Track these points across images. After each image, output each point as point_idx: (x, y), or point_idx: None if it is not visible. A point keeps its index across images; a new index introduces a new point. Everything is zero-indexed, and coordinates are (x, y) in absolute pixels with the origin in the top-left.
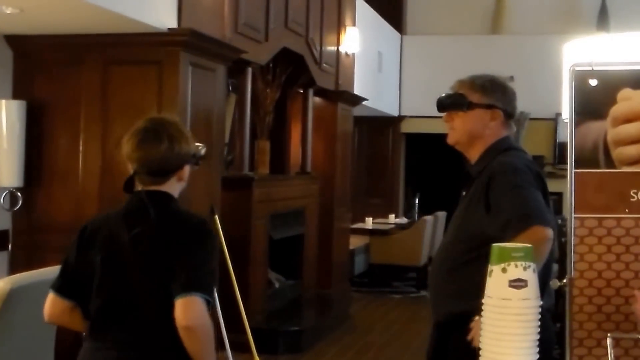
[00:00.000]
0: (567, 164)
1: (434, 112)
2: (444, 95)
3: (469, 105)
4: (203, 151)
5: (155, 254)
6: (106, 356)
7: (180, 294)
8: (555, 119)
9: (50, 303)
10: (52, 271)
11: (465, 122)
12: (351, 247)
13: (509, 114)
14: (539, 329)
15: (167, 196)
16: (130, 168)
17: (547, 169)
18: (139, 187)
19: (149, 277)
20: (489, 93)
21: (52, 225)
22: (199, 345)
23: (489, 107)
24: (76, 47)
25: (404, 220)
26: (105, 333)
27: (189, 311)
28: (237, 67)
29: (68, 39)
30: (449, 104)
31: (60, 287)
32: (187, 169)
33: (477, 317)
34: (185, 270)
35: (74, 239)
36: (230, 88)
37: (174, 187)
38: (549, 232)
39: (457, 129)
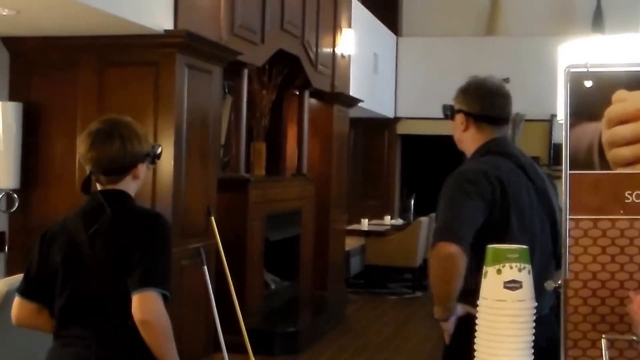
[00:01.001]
0: (562, 165)
1: (430, 113)
2: (444, 105)
3: (452, 113)
4: (159, 150)
5: (112, 250)
6: (70, 352)
7: (136, 290)
8: (550, 120)
9: (17, 307)
10: None
11: (454, 130)
12: (347, 248)
13: (480, 116)
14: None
15: (122, 194)
16: (87, 169)
17: (543, 170)
18: (97, 187)
19: (107, 273)
20: (460, 98)
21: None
22: (157, 339)
23: (459, 112)
24: (72, 49)
25: (399, 221)
26: (68, 330)
27: (145, 306)
28: (233, 69)
29: (64, 41)
30: (444, 113)
31: (25, 290)
32: (141, 168)
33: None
34: (141, 266)
35: (36, 244)
36: (227, 90)
37: (129, 185)
38: (451, 249)
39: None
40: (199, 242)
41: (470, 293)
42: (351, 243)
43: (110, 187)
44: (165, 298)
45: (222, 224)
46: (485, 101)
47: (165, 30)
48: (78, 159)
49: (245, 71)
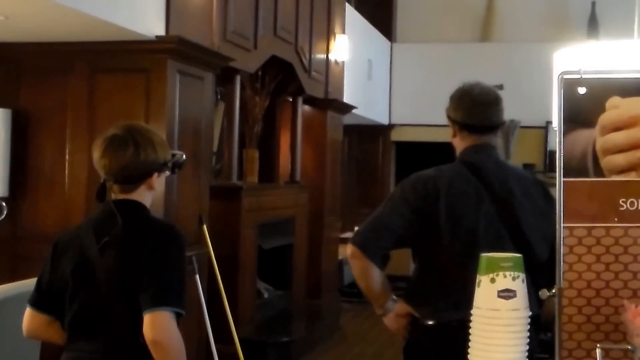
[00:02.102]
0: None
1: (425, 120)
2: None
3: (449, 120)
4: (183, 158)
5: (123, 264)
6: None
7: (148, 309)
8: (545, 127)
9: (28, 318)
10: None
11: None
12: (341, 256)
13: (462, 124)
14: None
15: (136, 205)
16: (101, 175)
17: (538, 177)
18: (111, 195)
19: (118, 287)
20: (448, 105)
21: (38, 236)
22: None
23: (448, 118)
24: (62, 55)
25: None
26: (76, 344)
27: (157, 326)
28: (225, 75)
29: (54, 47)
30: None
31: (36, 301)
32: (156, 177)
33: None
34: (153, 283)
35: (48, 253)
36: (219, 96)
37: (144, 195)
38: (351, 250)
39: None
40: (191, 250)
41: (412, 293)
42: (345, 251)
43: (123, 196)
44: (179, 316)
45: (214, 232)
46: (466, 109)
47: (156, 36)
48: (68, 166)
49: (238, 77)
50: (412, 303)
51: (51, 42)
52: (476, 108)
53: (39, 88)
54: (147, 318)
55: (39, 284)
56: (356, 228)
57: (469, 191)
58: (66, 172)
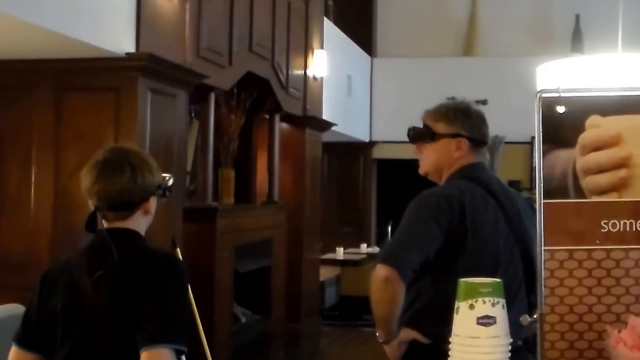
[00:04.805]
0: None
1: (406, 137)
2: (411, 127)
3: (434, 136)
4: (170, 181)
5: (118, 299)
6: None
7: (146, 346)
8: (530, 143)
9: (13, 356)
10: (3, 310)
11: (432, 153)
12: (321, 278)
13: (477, 141)
14: None
15: (131, 233)
16: (91, 204)
17: (524, 194)
18: (103, 224)
19: (113, 325)
20: (452, 121)
21: (4, 262)
22: None
23: (453, 136)
24: (27, 73)
25: (376, 249)
26: None
27: None
28: (199, 93)
29: (18, 65)
30: (416, 136)
31: (23, 339)
32: (152, 202)
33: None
34: (151, 318)
35: (36, 286)
36: (193, 114)
37: (139, 222)
38: (386, 272)
39: (425, 160)
40: None
41: (418, 318)
42: (326, 273)
43: (118, 224)
44: (180, 353)
45: (188, 255)
46: (476, 125)
47: (126, 53)
48: (33, 188)
49: (212, 95)
50: (422, 327)
51: (15, 60)
52: (483, 124)
53: (2, 107)
54: (144, 356)
55: (25, 320)
56: (338, 249)
57: (488, 209)
58: (32, 194)
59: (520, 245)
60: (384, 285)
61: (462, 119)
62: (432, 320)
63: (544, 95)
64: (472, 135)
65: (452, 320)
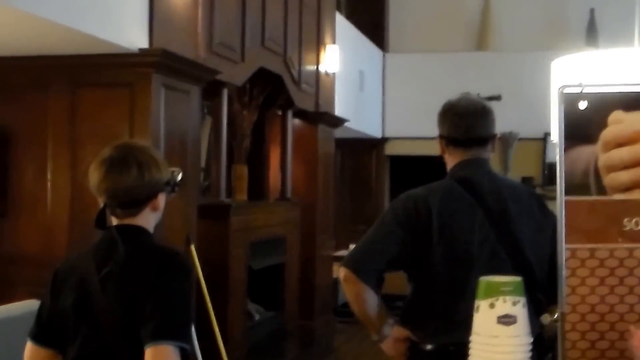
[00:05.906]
0: (556, 185)
1: (419, 133)
2: None
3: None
4: (179, 176)
5: (125, 296)
6: None
7: (149, 342)
8: (544, 139)
9: (29, 352)
10: (21, 306)
11: None
12: (335, 275)
13: (451, 139)
14: None
15: (139, 230)
16: (100, 201)
17: (537, 190)
18: (113, 221)
19: (120, 322)
20: (438, 122)
21: (21, 258)
22: None
23: (439, 137)
24: (42, 70)
25: None
26: None
27: None
28: (212, 89)
29: (33, 61)
30: None
31: (37, 335)
32: (161, 198)
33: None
34: (155, 315)
35: (48, 282)
36: (206, 110)
37: (148, 218)
38: (344, 273)
39: None
40: None
41: (408, 316)
42: (339, 271)
43: (127, 221)
44: (183, 351)
45: (202, 252)
46: (451, 123)
47: (139, 49)
48: (50, 185)
49: (225, 91)
50: (409, 326)
51: (29, 56)
52: (461, 121)
53: (17, 104)
54: (148, 352)
55: (39, 317)
56: (351, 246)
57: (462, 209)
58: (48, 191)
59: (502, 242)
60: (344, 286)
61: (441, 119)
62: (414, 318)
63: (565, 90)
64: (447, 134)
65: (428, 319)
